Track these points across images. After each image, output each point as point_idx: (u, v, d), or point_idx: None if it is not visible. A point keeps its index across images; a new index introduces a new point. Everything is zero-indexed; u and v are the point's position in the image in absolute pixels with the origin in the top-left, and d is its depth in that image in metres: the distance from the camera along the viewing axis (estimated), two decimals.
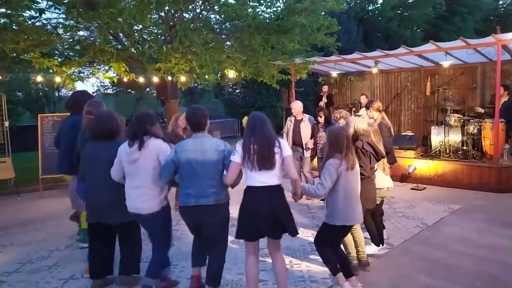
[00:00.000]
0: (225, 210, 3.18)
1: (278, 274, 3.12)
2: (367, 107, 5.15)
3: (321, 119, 6.11)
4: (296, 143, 6.38)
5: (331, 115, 5.48)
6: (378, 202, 4.06)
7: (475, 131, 7.56)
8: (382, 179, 4.07)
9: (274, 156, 2.93)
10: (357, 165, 3.31)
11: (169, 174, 3.09)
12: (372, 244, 4.17)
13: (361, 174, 3.43)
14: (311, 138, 6.22)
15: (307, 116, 6.47)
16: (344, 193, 3.20)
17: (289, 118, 6.66)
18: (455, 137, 7.79)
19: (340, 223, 3.24)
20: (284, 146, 3.01)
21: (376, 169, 3.91)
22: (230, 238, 3.34)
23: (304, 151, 6.34)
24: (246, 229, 2.99)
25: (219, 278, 3.21)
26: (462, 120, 7.87)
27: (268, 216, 2.93)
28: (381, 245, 4.19)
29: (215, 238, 3.19)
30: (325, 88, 10.41)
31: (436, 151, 7.95)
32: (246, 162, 2.94)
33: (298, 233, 3.10)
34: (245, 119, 3.39)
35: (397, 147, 8.40)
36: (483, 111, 8.18)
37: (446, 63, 7.91)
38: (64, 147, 4.16)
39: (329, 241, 3.37)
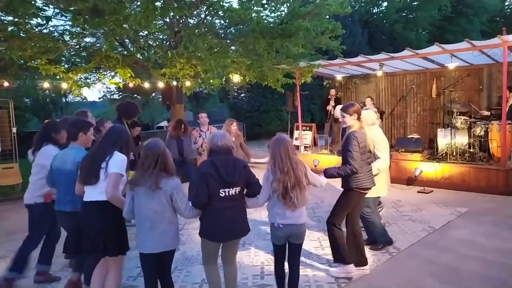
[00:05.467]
0: None
1: None
2: (342, 110, 3.78)
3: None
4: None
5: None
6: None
7: (482, 133, 7.50)
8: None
9: (98, 172, 2.89)
10: (165, 190, 2.75)
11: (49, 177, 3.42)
12: None
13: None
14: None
15: None
16: (137, 218, 2.84)
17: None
18: (461, 139, 7.73)
19: (139, 249, 2.86)
20: (112, 163, 2.89)
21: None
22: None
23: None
24: (74, 243, 2.97)
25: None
26: (468, 122, 7.82)
27: (88, 233, 2.88)
28: None
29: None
30: (333, 92, 10.39)
31: (442, 154, 7.89)
32: (79, 175, 3.00)
33: (116, 255, 2.95)
34: None
35: (403, 150, 8.36)
36: (488, 113, 8.12)
37: (451, 65, 7.87)
38: None
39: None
